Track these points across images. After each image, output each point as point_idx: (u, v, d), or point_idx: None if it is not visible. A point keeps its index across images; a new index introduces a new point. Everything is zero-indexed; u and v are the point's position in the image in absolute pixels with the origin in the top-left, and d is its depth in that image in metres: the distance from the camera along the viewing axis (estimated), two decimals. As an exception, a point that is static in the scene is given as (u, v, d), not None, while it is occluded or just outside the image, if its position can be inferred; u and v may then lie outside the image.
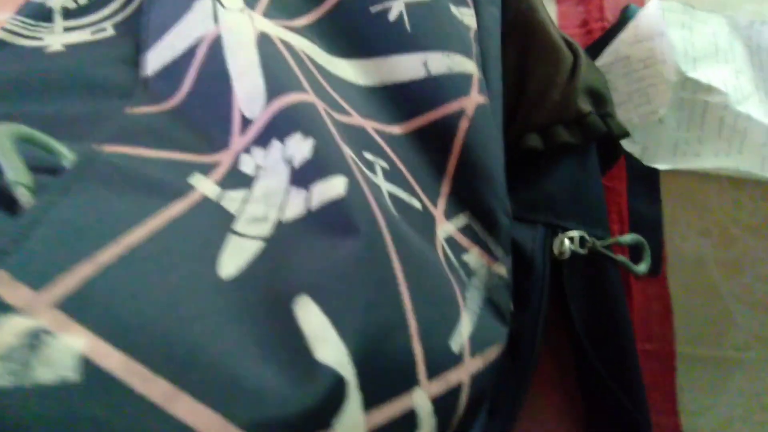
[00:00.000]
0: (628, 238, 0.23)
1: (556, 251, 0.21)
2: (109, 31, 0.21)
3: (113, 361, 0.10)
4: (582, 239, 0.21)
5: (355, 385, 0.11)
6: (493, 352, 0.17)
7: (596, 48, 0.29)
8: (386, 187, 0.17)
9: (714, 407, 0.29)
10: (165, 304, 0.11)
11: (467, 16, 0.21)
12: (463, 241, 0.18)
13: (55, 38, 0.20)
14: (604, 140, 0.24)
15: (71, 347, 0.09)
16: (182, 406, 0.10)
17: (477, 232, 0.19)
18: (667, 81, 0.26)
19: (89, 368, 0.09)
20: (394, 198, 0.17)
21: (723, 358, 0.29)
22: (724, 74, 0.28)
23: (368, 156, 0.17)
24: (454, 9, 0.20)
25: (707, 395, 0.29)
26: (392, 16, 0.19)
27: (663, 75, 0.27)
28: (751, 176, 0.28)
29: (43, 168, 0.13)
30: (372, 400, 0.12)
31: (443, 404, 0.14)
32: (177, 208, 0.13)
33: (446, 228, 0.18)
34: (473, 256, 0.18)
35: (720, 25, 0.29)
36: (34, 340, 0.09)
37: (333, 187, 0.14)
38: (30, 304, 0.10)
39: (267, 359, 0.11)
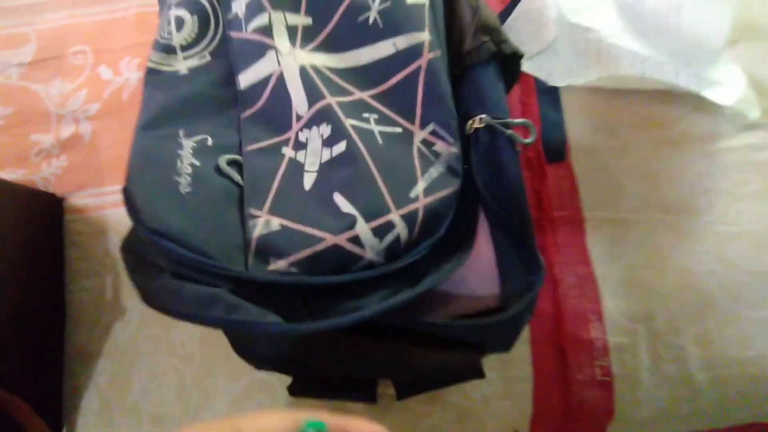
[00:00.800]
0: (518, 120, 0.30)
1: (466, 128, 0.31)
2: (207, 57, 0.34)
3: (290, 223, 0.28)
4: (481, 119, 0.30)
5: (361, 216, 0.27)
6: (445, 192, 0.29)
7: (509, 8, 0.41)
8: (377, 129, 0.30)
9: (620, 257, 0.37)
10: (288, 204, 0.29)
11: None
12: (432, 139, 0.30)
13: (181, 65, 0.33)
14: (505, 61, 0.34)
15: (277, 223, 0.28)
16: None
17: (439, 132, 0.30)
18: (551, 22, 0.38)
19: (283, 227, 0.28)
20: (382, 134, 0.30)
21: (621, 219, 0.37)
22: (599, 20, 0.39)
23: (365, 115, 0.31)
24: (409, 0, 0.32)
25: (613, 248, 0.37)
26: (370, 21, 0.32)
27: (548, 18, 0.38)
28: (626, 85, 0.38)
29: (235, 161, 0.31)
30: (369, 219, 0.27)
31: (408, 217, 0.28)
32: (283, 166, 0.30)
33: (421, 135, 0.31)
34: (439, 146, 0.30)
35: (595, -12, 0.41)
36: (265, 225, 0.28)
37: (341, 146, 0.30)
38: (262, 213, 0.28)
39: (326, 215, 0.28)
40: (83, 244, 0.40)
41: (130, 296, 0.38)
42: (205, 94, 0.32)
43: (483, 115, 0.31)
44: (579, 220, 0.38)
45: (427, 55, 0.31)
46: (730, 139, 0.37)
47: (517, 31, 0.40)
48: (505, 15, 0.41)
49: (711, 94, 0.36)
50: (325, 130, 0.30)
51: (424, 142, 0.30)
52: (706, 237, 0.36)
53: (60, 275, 0.40)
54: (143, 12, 0.48)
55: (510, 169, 0.31)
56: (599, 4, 0.40)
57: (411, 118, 0.31)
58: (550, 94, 0.39)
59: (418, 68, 0.31)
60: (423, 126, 0.30)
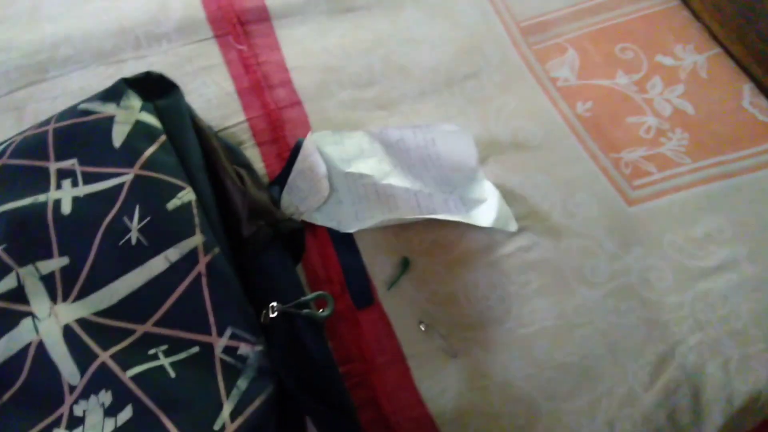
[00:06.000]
0: (311, 295, 0.31)
1: (262, 320, 0.30)
2: None
3: None
4: (273, 308, 0.30)
5: None
6: (258, 401, 0.27)
7: (288, 167, 0.42)
8: (168, 361, 0.27)
9: (447, 388, 0.37)
10: None
11: (186, 195, 0.31)
12: (234, 343, 0.28)
13: None
14: (287, 237, 0.34)
15: None
16: None
17: (239, 334, 0.28)
18: (323, 177, 0.40)
19: None
20: (175, 364, 0.27)
21: (438, 347, 0.38)
22: (370, 164, 0.43)
23: (152, 351, 0.28)
24: (171, 203, 0.30)
25: (438, 380, 0.37)
26: (133, 241, 0.29)
27: (320, 175, 0.40)
28: (409, 221, 0.41)
29: None
30: None
31: None
32: None
33: (221, 343, 0.28)
34: (242, 349, 0.28)
35: (361, 136, 0.45)
36: None
37: (127, 412, 0.26)
38: None
39: None
40: None
41: None
42: None
43: (274, 304, 0.30)
44: (402, 360, 0.37)
45: (204, 259, 0.29)
46: (505, 246, 0.42)
47: (297, 189, 0.41)
48: (284, 176, 0.42)
49: (473, 218, 0.41)
50: (106, 397, 0.26)
51: (227, 350, 0.28)
52: (513, 343, 0.39)
53: None
54: None
55: (316, 350, 0.31)
56: (367, 149, 0.44)
57: (206, 330, 0.28)
58: (345, 242, 0.40)
59: (198, 275, 0.29)
60: (221, 333, 0.28)
